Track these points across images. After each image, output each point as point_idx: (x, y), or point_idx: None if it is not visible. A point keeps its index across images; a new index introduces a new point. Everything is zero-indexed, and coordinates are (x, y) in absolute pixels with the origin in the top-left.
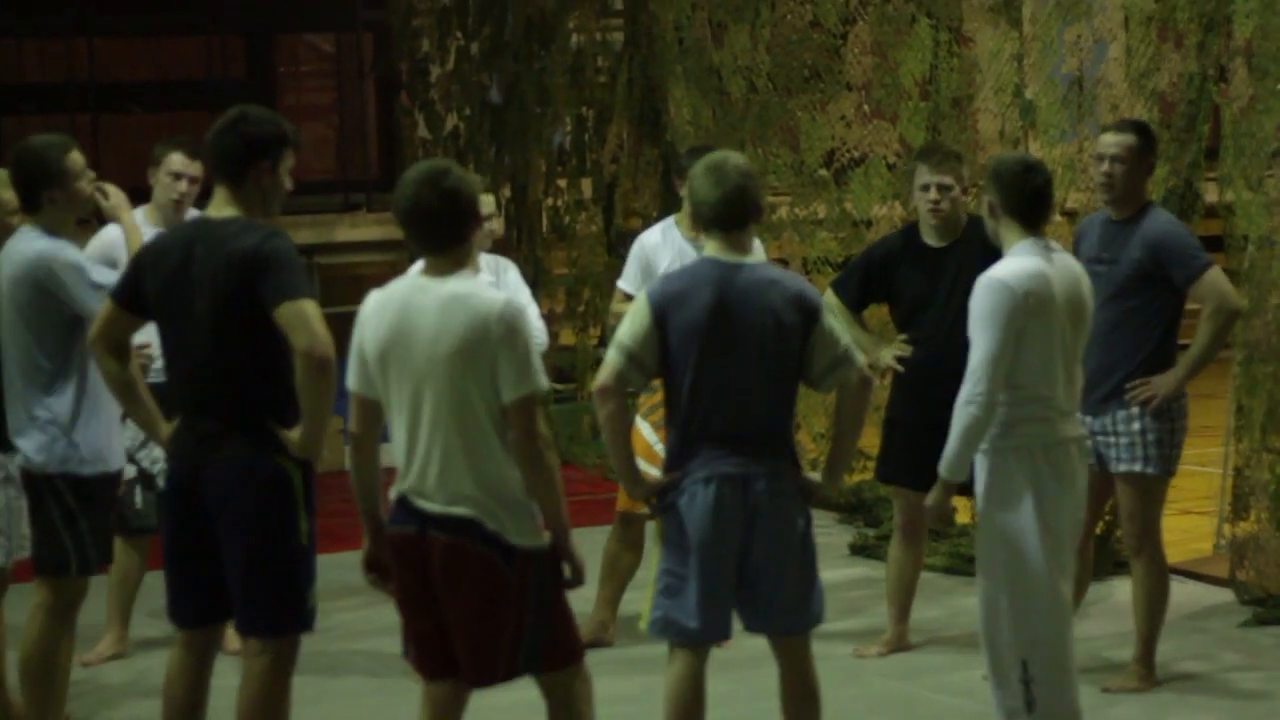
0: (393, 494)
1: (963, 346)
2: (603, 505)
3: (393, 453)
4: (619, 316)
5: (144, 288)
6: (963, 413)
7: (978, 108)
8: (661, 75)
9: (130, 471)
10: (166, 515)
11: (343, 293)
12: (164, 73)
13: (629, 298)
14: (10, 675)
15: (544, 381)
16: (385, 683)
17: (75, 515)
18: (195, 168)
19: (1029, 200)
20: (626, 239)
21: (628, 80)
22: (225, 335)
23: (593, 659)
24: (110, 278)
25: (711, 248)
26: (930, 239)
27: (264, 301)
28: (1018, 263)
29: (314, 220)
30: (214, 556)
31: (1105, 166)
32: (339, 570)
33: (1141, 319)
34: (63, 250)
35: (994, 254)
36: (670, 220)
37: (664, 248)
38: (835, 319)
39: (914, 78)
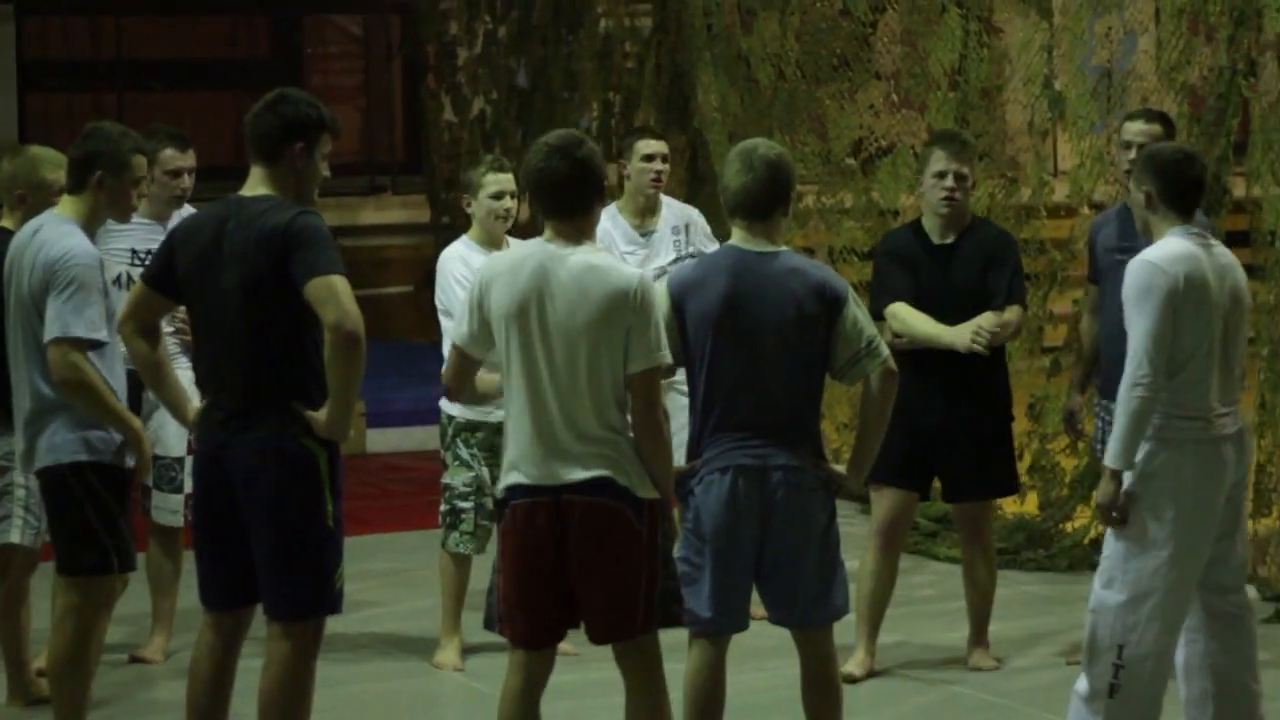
0: (510, 477)
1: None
2: None
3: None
4: None
5: (175, 268)
6: (1129, 397)
7: (1007, 98)
8: (690, 62)
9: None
10: (194, 497)
11: (367, 276)
12: (190, 52)
13: None
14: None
15: (669, 356)
16: (408, 665)
17: (109, 507)
18: (189, 158)
19: (1188, 189)
20: None
21: (655, 66)
22: (254, 313)
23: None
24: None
25: (736, 235)
26: (935, 234)
27: (294, 278)
28: (1168, 245)
29: (339, 203)
30: (242, 538)
31: (1132, 154)
32: (361, 553)
33: None
34: (91, 268)
35: (993, 260)
36: (613, 207)
37: (614, 232)
38: (861, 310)
39: (943, 67)
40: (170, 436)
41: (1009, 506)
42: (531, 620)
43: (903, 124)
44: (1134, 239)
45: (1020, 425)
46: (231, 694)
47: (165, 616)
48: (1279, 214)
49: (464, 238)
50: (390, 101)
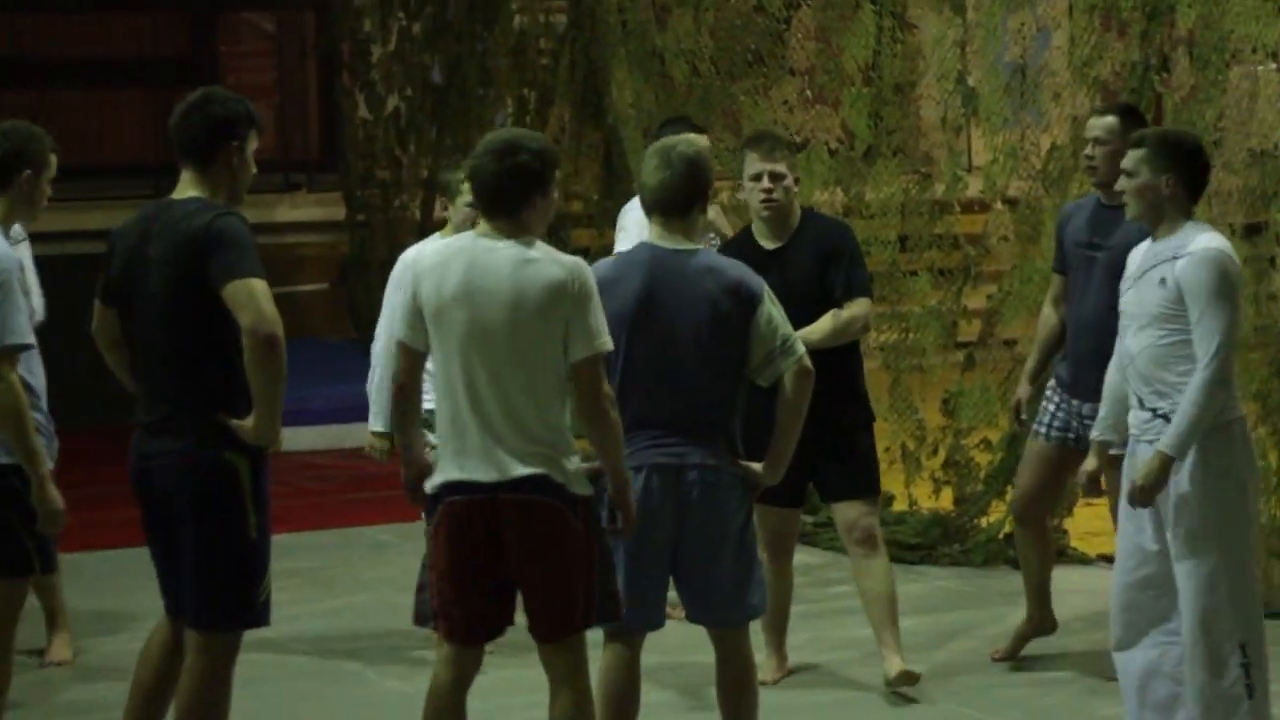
0: (443, 474)
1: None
2: None
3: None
4: None
5: (112, 277)
6: (1213, 393)
7: (920, 94)
8: (604, 58)
9: None
10: (137, 506)
11: (282, 273)
12: (105, 50)
13: None
14: None
15: (609, 342)
16: (324, 664)
17: (30, 508)
18: None
19: (1203, 178)
20: (565, 222)
21: (570, 62)
22: (177, 319)
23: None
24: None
25: (652, 233)
26: (763, 239)
27: (213, 281)
28: (1216, 236)
29: (254, 200)
30: (175, 547)
31: (1088, 149)
32: (277, 552)
33: None
34: (13, 271)
35: (829, 256)
36: None
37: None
38: (776, 308)
39: (857, 63)
40: None
41: (924, 501)
42: (468, 616)
43: (817, 120)
44: (1105, 235)
45: (934, 420)
46: (174, 690)
47: (56, 615)
48: None
49: (437, 237)
50: (305, 99)
